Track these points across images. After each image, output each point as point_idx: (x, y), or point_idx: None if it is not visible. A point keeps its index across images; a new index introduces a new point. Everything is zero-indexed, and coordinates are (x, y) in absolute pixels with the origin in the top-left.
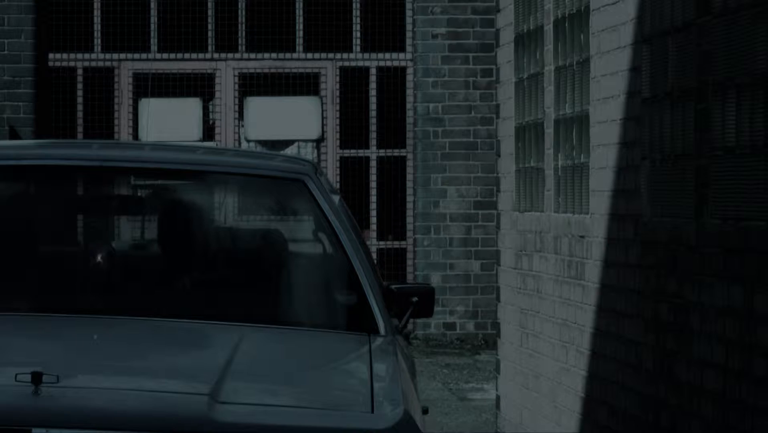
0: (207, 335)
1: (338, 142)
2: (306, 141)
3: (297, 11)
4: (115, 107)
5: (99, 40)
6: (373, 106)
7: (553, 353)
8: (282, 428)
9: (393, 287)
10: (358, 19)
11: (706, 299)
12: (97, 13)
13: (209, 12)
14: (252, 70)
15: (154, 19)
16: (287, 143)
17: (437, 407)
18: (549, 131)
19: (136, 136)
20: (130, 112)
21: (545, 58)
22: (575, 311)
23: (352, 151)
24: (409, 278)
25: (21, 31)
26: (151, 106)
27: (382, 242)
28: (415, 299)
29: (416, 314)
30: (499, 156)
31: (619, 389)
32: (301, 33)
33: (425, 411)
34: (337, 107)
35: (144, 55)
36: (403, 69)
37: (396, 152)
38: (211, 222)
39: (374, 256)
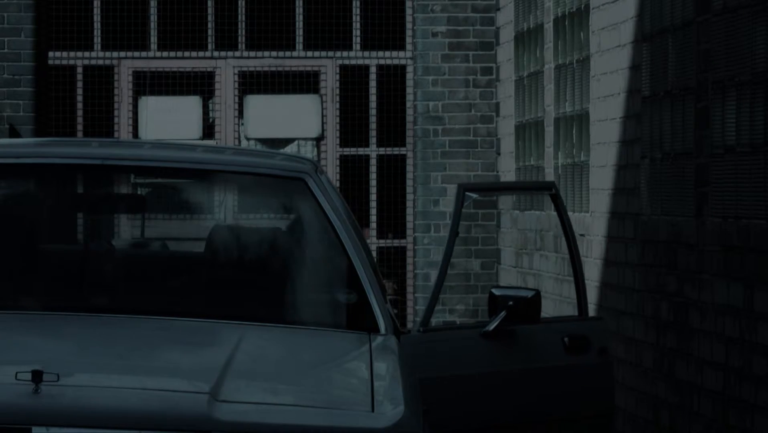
0: (207, 333)
1: (338, 140)
2: (306, 139)
3: (297, 9)
4: (115, 105)
5: (99, 39)
6: (373, 105)
7: None
8: (282, 426)
9: (494, 290)
10: (358, 18)
11: (706, 297)
12: (96, 11)
13: (209, 10)
14: (252, 69)
15: (153, 18)
16: (287, 141)
17: None
18: (549, 129)
19: (136, 134)
20: (130, 111)
21: (545, 56)
22: (575, 310)
23: (352, 149)
24: (408, 276)
25: (21, 29)
26: (150, 105)
27: (381, 241)
28: (510, 303)
29: (515, 318)
30: (499, 154)
31: (619, 387)
32: (301, 31)
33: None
34: (337, 105)
35: (144, 54)
36: (403, 67)
37: (396, 150)
38: (211, 221)
39: (374, 254)
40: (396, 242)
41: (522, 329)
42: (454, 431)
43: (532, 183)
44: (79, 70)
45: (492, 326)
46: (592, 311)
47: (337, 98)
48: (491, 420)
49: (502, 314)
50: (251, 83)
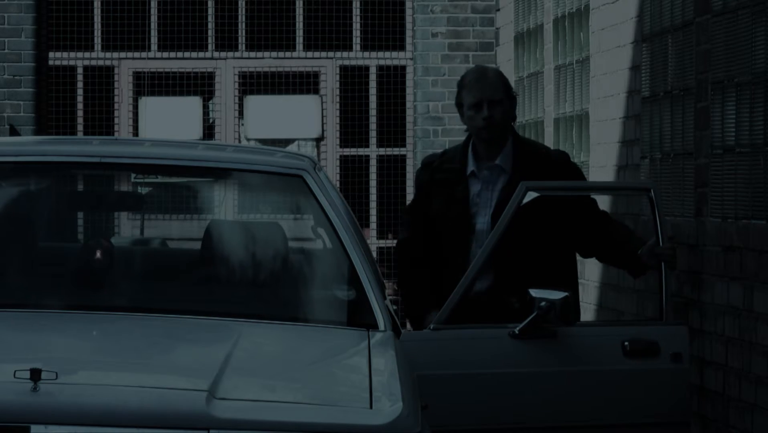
0: (206, 330)
1: (338, 140)
2: (306, 140)
3: (297, 10)
4: (115, 106)
5: (99, 39)
6: (373, 105)
7: None
8: (280, 424)
9: (532, 291)
10: (358, 18)
11: (706, 297)
12: (96, 12)
13: (209, 11)
14: (252, 69)
15: (154, 18)
16: (287, 142)
17: None
18: (549, 130)
19: (136, 134)
20: (130, 111)
21: (545, 56)
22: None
23: (352, 149)
24: None
25: (21, 30)
26: (149, 105)
27: (381, 241)
28: (542, 304)
29: (548, 320)
30: None
31: None
32: (301, 32)
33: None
34: (337, 106)
35: (144, 54)
36: (403, 68)
37: (396, 151)
38: (210, 218)
39: (374, 254)
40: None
41: (567, 331)
42: (466, 431)
43: (622, 184)
44: (80, 70)
45: (521, 327)
46: (591, 312)
47: (337, 99)
48: (513, 421)
49: (533, 315)
50: (251, 84)
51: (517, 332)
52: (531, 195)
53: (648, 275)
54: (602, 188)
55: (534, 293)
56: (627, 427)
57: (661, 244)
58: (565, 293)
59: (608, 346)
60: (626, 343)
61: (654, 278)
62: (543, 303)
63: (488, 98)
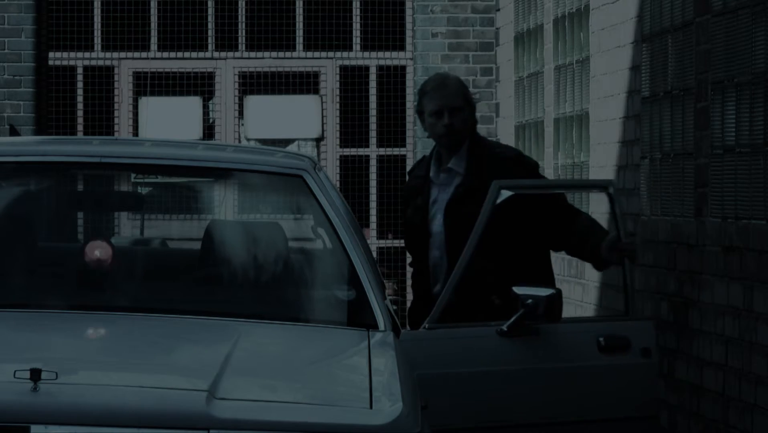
0: (206, 331)
1: (338, 140)
2: (306, 140)
3: (297, 10)
4: (115, 106)
5: (99, 39)
6: (373, 105)
7: None
8: (280, 424)
9: (515, 289)
10: (358, 18)
11: (706, 297)
12: (96, 12)
13: (209, 11)
14: (252, 69)
15: (154, 18)
16: (287, 142)
17: None
18: (549, 130)
19: (136, 134)
20: (130, 111)
21: (545, 56)
22: (575, 310)
23: (352, 149)
24: (408, 276)
25: (21, 29)
26: (149, 105)
27: (381, 241)
28: (529, 301)
29: (534, 318)
30: None
31: None
32: (301, 32)
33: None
34: (337, 106)
35: (144, 54)
36: (403, 68)
37: (396, 151)
38: (210, 218)
39: (374, 254)
40: (396, 242)
41: (548, 328)
42: (460, 430)
43: (583, 181)
44: (80, 70)
45: (508, 324)
46: (592, 312)
47: (337, 99)
48: (502, 419)
49: (520, 312)
50: (251, 84)
51: (505, 328)
52: (505, 194)
53: (646, 273)
54: (563, 186)
55: (518, 290)
56: (605, 422)
57: (622, 240)
58: (552, 290)
59: (586, 342)
60: (601, 339)
61: (650, 276)
62: (529, 300)
63: (449, 106)
